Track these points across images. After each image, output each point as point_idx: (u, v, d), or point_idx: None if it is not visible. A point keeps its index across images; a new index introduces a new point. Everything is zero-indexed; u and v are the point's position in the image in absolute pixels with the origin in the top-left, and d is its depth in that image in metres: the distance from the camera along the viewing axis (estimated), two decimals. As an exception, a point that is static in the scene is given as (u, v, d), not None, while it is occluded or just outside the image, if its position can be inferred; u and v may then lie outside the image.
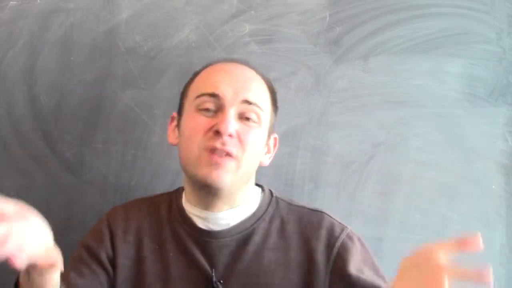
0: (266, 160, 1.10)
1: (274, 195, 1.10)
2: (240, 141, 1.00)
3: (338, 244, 1.02)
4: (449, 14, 1.36)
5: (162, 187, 1.27)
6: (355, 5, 1.34)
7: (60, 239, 1.32)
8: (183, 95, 1.08)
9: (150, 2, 1.30)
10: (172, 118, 1.11)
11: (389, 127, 1.35)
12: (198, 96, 1.02)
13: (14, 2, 1.27)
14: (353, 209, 1.33)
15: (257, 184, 1.12)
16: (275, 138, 1.12)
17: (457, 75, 1.37)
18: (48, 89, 1.28)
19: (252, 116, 1.02)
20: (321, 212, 1.07)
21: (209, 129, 0.99)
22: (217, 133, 0.98)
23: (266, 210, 1.07)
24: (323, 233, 1.03)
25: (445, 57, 1.37)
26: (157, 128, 1.30)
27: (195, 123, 1.01)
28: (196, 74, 1.09)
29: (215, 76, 1.04)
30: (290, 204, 1.09)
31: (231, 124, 0.98)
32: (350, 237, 1.03)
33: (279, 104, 1.15)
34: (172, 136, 1.09)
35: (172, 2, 1.31)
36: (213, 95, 1.01)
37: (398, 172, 1.35)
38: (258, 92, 1.04)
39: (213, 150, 0.98)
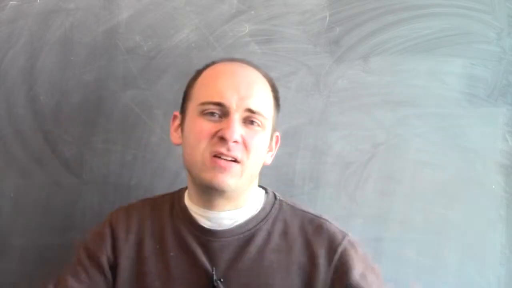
0: (269, 159, 1.10)
1: (278, 197, 1.10)
2: (245, 146, 1.00)
3: (339, 250, 1.02)
4: (449, 14, 1.36)
5: (162, 187, 1.27)
6: (355, 5, 1.34)
7: (60, 239, 1.33)
8: (186, 96, 1.08)
9: (150, 2, 1.30)
10: (174, 117, 1.10)
11: (389, 127, 1.35)
12: (203, 103, 1.01)
13: (14, 2, 1.27)
14: (353, 209, 1.33)
15: (261, 186, 1.12)
16: (277, 137, 1.12)
17: (457, 75, 1.37)
18: (48, 89, 1.28)
19: (256, 121, 1.02)
20: (324, 219, 1.07)
21: (214, 135, 0.99)
22: (223, 139, 0.98)
23: (270, 212, 1.07)
24: (325, 239, 1.03)
25: (445, 57, 1.36)
26: (157, 128, 1.30)
27: (200, 128, 1.01)
28: (199, 73, 1.08)
29: (219, 81, 1.02)
30: (293, 208, 1.09)
31: (237, 131, 0.99)
32: (351, 244, 1.04)
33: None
34: (175, 135, 1.09)
35: (172, 2, 1.31)
36: (218, 104, 1.00)
37: (398, 172, 1.35)
38: (262, 98, 1.03)
39: (218, 156, 0.98)
